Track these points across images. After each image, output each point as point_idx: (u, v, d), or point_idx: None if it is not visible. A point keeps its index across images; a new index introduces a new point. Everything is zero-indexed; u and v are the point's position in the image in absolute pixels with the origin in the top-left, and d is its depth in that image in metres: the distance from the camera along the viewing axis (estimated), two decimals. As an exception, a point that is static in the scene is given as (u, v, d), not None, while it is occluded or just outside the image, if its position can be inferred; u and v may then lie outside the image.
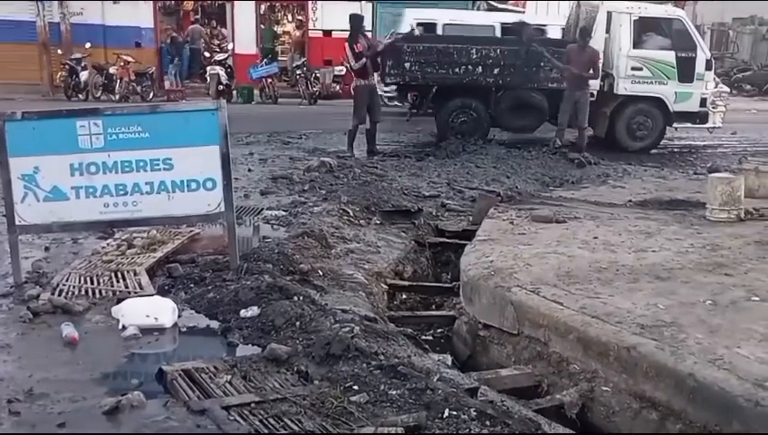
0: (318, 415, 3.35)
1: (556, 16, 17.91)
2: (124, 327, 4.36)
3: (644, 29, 12.31)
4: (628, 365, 4.13)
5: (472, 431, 3.09)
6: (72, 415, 3.35)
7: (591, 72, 11.39)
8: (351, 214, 7.81)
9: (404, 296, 6.66)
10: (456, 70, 12.07)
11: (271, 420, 3.31)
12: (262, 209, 7.70)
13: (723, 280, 5.26)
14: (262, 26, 22.77)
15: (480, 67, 12.04)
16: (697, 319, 4.48)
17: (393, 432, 3.12)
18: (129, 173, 5.17)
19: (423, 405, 3.39)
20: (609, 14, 12.33)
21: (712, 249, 6.09)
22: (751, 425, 3.51)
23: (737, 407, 3.58)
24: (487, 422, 3.21)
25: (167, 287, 5.24)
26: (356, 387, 3.58)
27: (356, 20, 11.34)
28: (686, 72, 12.19)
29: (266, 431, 3.21)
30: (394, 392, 3.52)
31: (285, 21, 24.93)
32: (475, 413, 3.28)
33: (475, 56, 12.05)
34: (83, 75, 17.89)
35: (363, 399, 3.47)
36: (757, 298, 4.86)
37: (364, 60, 10.95)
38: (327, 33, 21.22)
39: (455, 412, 3.29)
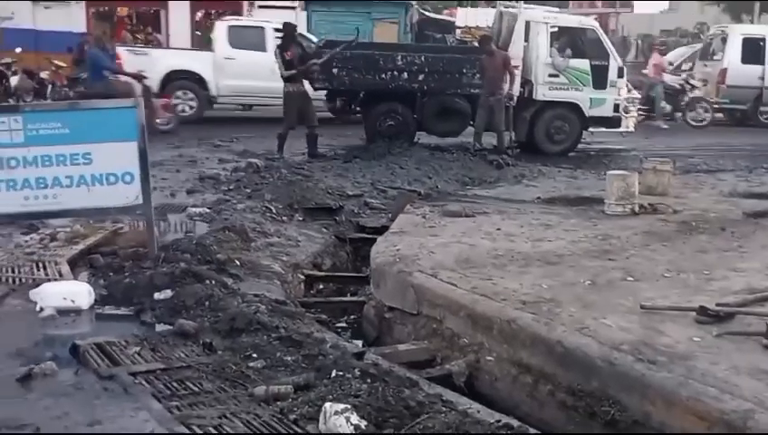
0: (218, 379, 3.70)
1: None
2: (42, 309, 4.62)
3: (560, 38, 12.97)
4: (509, 336, 4.57)
5: (353, 387, 3.47)
6: (-13, 383, 3.61)
7: (508, 73, 12.01)
8: (274, 211, 8.13)
9: (321, 287, 7.03)
10: (383, 76, 12.51)
11: (174, 384, 3.65)
12: (186, 207, 7.95)
13: (605, 264, 5.77)
14: (197, 32, 22.89)
15: (405, 73, 12.51)
16: (574, 296, 4.95)
17: (283, 390, 3.48)
18: (50, 167, 5.42)
19: (314, 368, 3.76)
20: (528, 24, 12.94)
21: (603, 238, 6.61)
22: (607, 382, 3.98)
23: (596, 367, 4.05)
24: (368, 380, 3.60)
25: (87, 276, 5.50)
26: (255, 355, 3.95)
27: (288, 28, 11.71)
28: (599, 79, 12.87)
29: (168, 392, 3.54)
30: (289, 358, 3.89)
31: (222, 27, 25.05)
32: (359, 373, 3.67)
33: (400, 62, 12.51)
34: (14, 80, 17.71)
35: (260, 364, 3.83)
36: (631, 278, 5.37)
37: (294, 71, 11.30)
38: (263, 39, 21.44)
39: (341, 373, 3.67)
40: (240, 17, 16.66)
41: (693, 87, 17.78)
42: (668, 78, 18.10)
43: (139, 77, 12.96)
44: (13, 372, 3.69)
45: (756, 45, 17.83)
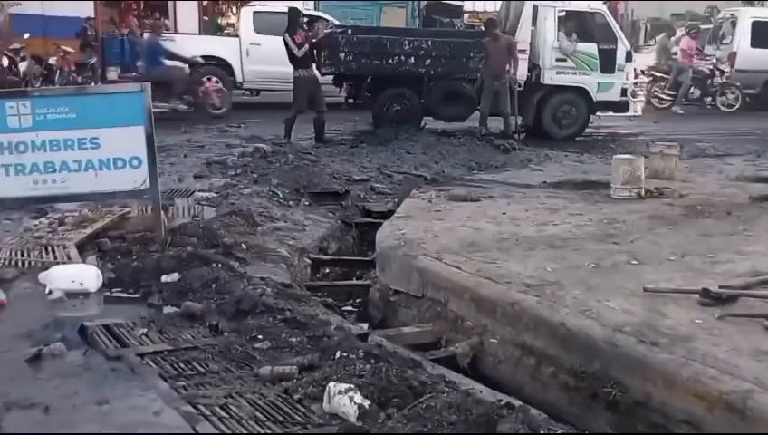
0: (224, 359, 3.76)
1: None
2: (51, 292, 4.68)
3: (568, 22, 12.92)
4: (512, 319, 4.61)
5: (357, 368, 3.51)
6: (-4, 363, 3.68)
7: (512, 59, 11.94)
8: (281, 195, 8.19)
9: (327, 270, 7.08)
10: (390, 60, 12.51)
11: (181, 364, 3.70)
12: (193, 192, 8.01)
13: (610, 248, 5.79)
14: (205, 18, 22.90)
15: (412, 58, 12.50)
16: (578, 279, 4.97)
17: (288, 370, 3.53)
18: (58, 152, 5.46)
19: (319, 349, 3.81)
20: (536, 8, 12.91)
21: (608, 223, 6.62)
22: (609, 363, 4.01)
23: (598, 349, 4.08)
24: (372, 361, 3.64)
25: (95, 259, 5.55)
26: (261, 336, 4.00)
27: (293, 13, 11.75)
28: (607, 63, 12.84)
29: (175, 373, 3.59)
30: (294, 340, 3.94)
31: (230, 13, 25.06)
32: (362, 354, 3.71)
33: (407, 47, 12.50)
34: (22, 66, 17.79)
35: (266, 345, 3.88)
36: (635, 262, 5.39)
37: (307, 46, 11.36)
38: (271, 24, 21.43)
39: (345, 354, 3.71)
40: (264, 2, 16.64)
41: (722, 72, 17.58)
42: (697, 63, 17.89)
43: (194, 63, 13.05)
44: (23, 353, 3.75)
45: (766, 29, 17.67)
